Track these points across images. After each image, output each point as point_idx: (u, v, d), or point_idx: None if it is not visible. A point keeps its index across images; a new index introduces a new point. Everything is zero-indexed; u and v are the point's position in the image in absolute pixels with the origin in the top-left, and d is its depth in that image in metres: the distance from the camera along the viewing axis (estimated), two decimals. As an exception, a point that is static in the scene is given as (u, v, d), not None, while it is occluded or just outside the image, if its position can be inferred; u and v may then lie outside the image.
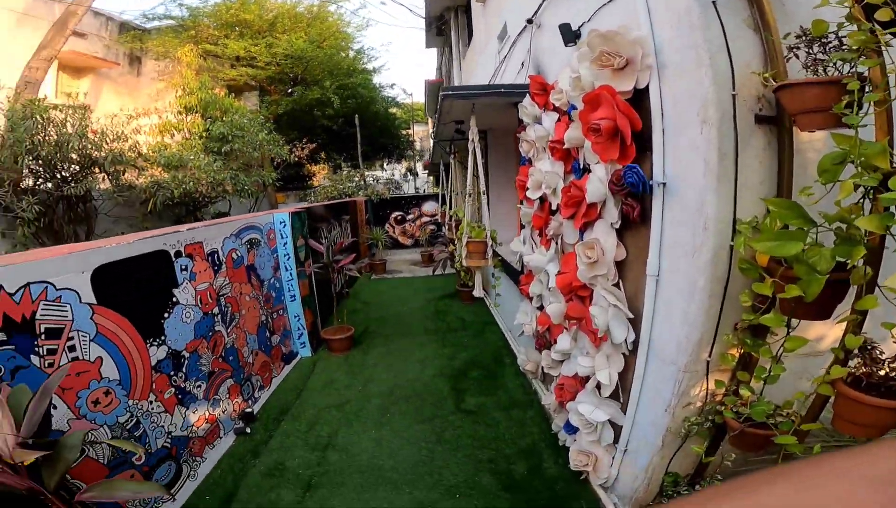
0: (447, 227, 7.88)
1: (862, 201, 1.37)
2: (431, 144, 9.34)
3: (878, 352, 1.38)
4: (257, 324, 4.35)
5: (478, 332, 5.65)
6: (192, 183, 7.76)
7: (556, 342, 3.05)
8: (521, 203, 3.58)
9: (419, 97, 20.94)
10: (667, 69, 1.88)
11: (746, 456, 2.09)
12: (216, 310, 3.58)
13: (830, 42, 1.47)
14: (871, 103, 1.35)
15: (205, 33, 13.29)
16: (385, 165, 23.50)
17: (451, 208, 7.53)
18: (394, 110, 21.71)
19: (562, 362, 3.11)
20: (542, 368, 3.47)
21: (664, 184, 1.91)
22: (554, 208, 3.00)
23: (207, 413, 3.26)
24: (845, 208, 1.38)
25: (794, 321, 1.61)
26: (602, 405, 2.51)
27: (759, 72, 1.67)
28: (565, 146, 2.68)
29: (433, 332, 5.82)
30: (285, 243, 5.02)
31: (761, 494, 0.29)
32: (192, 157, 8.15)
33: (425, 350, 5.16)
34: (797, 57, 1.57)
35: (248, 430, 3.57)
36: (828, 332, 1.83)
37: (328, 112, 15.20)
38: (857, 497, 0.27)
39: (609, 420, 2.47)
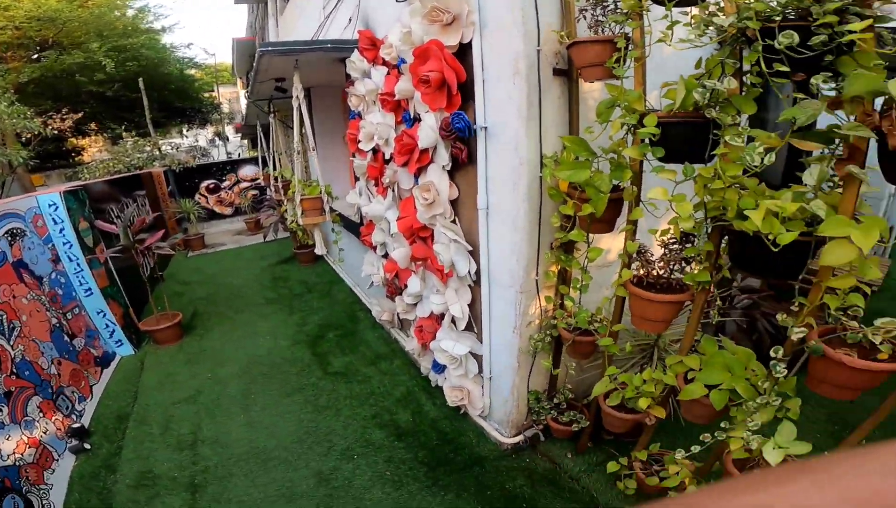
0: (273, 189, 7.35)
1: (626, 135, 1.79)
2: (244, 106, 8.39)
3: (650, 254, 1.86)
4: (49, 329, 3.55)
5: (325, 292, 5.56)
6: None
7: (406, 286, 3.22)
8: (354, 156, 3.58)
9: (225, 57, 18.49)
10: (488, 26, 2.08)
11: (582, 364, 2.61)
12: (-15, 322, 2.84)
13: (609, 6, 1.80)
14: (633, 59, 1.75)
15: None
16: (186, 131, 20.46)
17: (275, 170, 7.02)
18: (193, 72, 19.59)
19: (415, 304, 3.30)
20: (398, 315, 3.63)
21: (486, 128, 2.17)
22: (388, 157, 3.10)
23: (25, 437, 2.72)
24: (616, 142, 1.80)
25: (593, 237, 2.07)
26: (461, 339, 2.76)
27: (557, 31, 1.97)
28: (396, 98, 2.78)
29: (276, 301, 5.53)
30: (62, 230, 4.08)
31: (777, 489, 0.28)
32: None
33: (272, 321, 4.92)
34: (585, 18, 1.90)
35: (87, 446, 3.08)
36: (616, 245, 2.34)
37: (97, 77, 12.75)
38: (876, 490, 0.26)
39: (471, 352, 2.73)
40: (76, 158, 14.07)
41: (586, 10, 1.89)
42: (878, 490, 0.26)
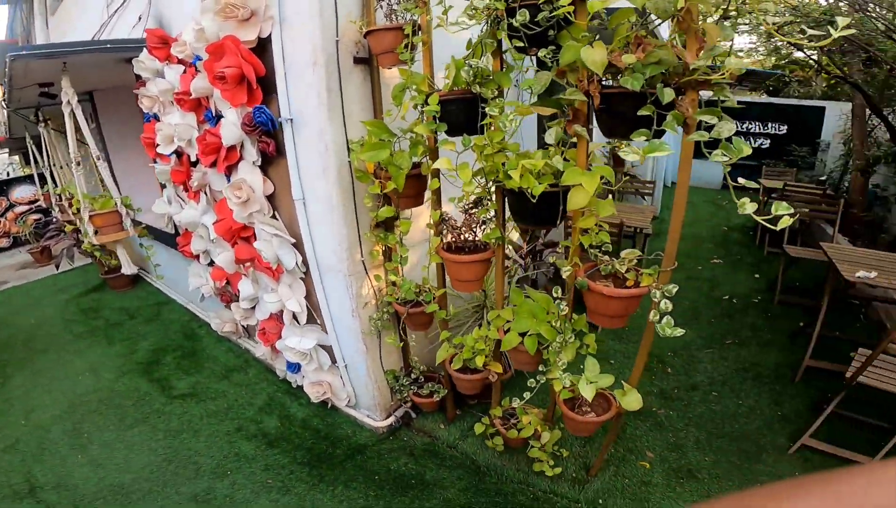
0: (58, 209, 6.13)
1: (420, 116, 1.95)
2: (5, 116, 6.78)
3: (453, 221, 2.05)
4: None
5: (153, 316, 4.86)
6: None
7: (239, 291, 3.03)
8: (155, 162, 3.21)
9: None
10: (287, 20, 2.05)
11: (427, 335, 2.72)
12: None
13: None
14: (421, 44, 1.90)
15: None
16: None
17: (56, 187, 5.84)
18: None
19: (253, 308, 3.14)
20: (240, 323, 3.44)
21: (291, 119, 2.15)
22: (194, 159, 2.86)
23: None
24: (413, 122, 1.95)
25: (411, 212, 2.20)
26: (306, 333, 2.71)
27: (355, 21, 2.03)
28: (193, 96, 2.58)
29: (89, 334, 4.63)
30: None
31: (795, 503, 0.27)
32: None
33: (89, 356, 4.15)
34: (382, 8, 2.01)
35: None
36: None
37: None
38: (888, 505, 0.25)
39: (319, 344, 2.69)
40: None
41: (383, 1, 2.00)
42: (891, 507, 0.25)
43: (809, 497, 0.27)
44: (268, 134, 2.24)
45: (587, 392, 1.73)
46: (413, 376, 2.73)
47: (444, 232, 2.06)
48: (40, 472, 2.75)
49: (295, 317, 2.74)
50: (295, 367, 2.95)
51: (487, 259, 1.94)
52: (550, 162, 1.49)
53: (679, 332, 1.54)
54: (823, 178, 6.10)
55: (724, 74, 1.19)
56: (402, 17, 1.96)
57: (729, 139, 1.24)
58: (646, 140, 1.30)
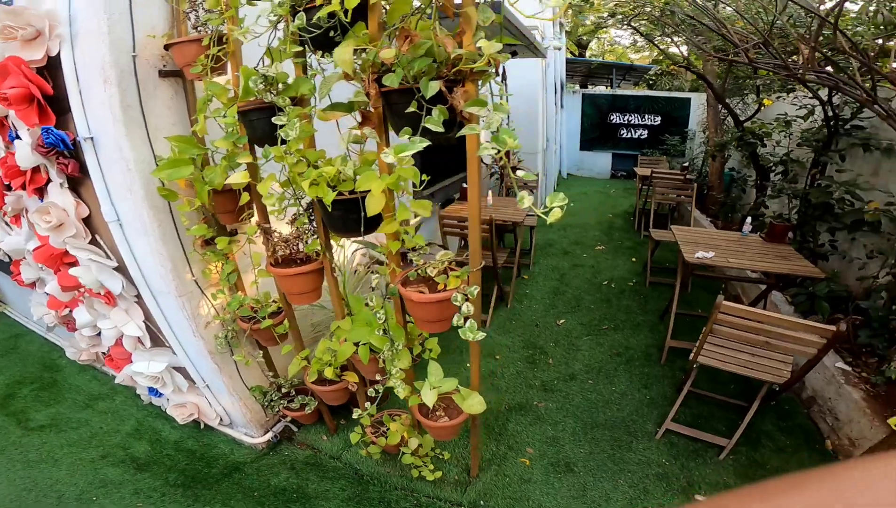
0: None
1: (236, 126, 1.82)
2: None
3: (276, 235, 1.94)
4: None
5: (8, 349, 4.27)
6: None
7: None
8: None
9: None
10: (78, 37, 1.88)
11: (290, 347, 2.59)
12: None
13: (201, 4, 1.80)
14: (228, 54, 1.78)
15: None
16: None
17: None
18: None
19: (99, 334, 2.84)
20: (90, 350, 3.16)
21: (91, 138, 1.95)
22: (7, 183, 2.52)
23: None
24: (228, 134, 1.82)
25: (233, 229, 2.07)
26: (156, 356, 2.53)
27: (155, 35, 1.88)
28: (-16, 115, 2.26)
29: None
30: None
31: (800, 496, 0.26)
32: None
33: None
34: (190, 20, 1.87)
35: None
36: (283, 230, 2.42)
37: None
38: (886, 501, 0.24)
39: (172, 367, 2.53)
40: None
41: (190, 13, 1.88)
42: (892, 503, 0.24)
43: (806, 493, 0.27)
44: (65, 154, 2.01)
45: (428, 399, 1.70)
46: (283, 390, 2.62)
47: (275, 245, 1.96)
48: None
49: (141, 341, 2.53)
50: (154, 391, 2.77)
51: (315, 271, 1.87)
52: (342, 169, 1.44)
53: (481, 335, 1.54)
54: (686, 164, 6.72)
55: (486, 60, 1.19)
56: (205, 28, 1.85)
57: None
58: (409, 137, 1.28)
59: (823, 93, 3.71)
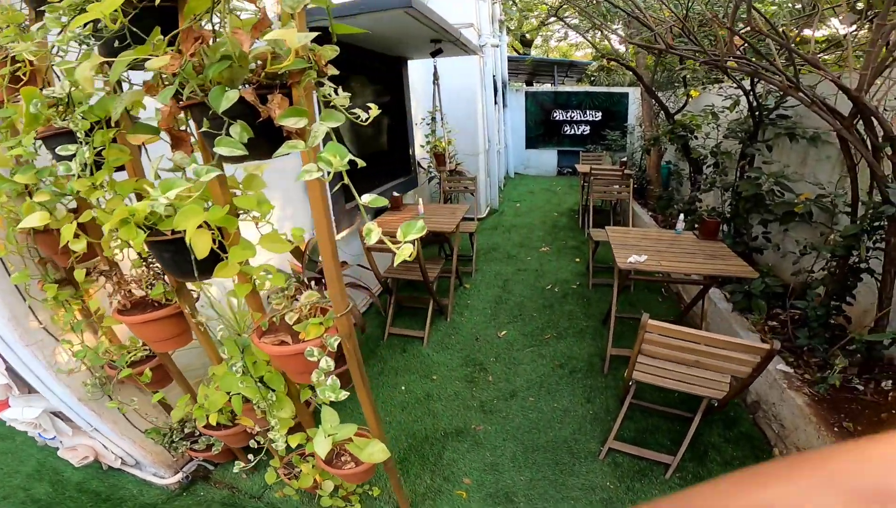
0: None
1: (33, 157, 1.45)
2: None
3: (118, 277, 1.60)
4: None
5: None
6: None
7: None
8: None
9: None
10: None
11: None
12: None
13: None
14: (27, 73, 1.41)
15: None
16: None
17: None
18: None
19: None
20: None
21: None
22: None
23: None
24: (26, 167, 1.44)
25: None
26: (30, 402, 2.22)
27: None
28: None
29: None
30: None
31: (773, 489, 0.25)
32: None
33: None
34: None
35: None
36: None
37: None
38: (881, 485, 0.24)
39: (52, 412, 2.26)
40: None
41: None
42: (887, 485, 0.24)
43: (799, 478, 0.26)
44: None
45: (320, 449, 1.38)
46: (186, 430, 2.28)
47: (121, 288, 1.61)
48: None
49: (11, 389, 2.17)
50: (42, 436, 2.48)
51: (171, 315, 1.53)
52: (154, 205, 1.12)
53: (343, 395, 1.27)
54: (625, 159, 6.71)
55: (291, 57, 0.90)
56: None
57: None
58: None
59: (747, 83, 3.67)
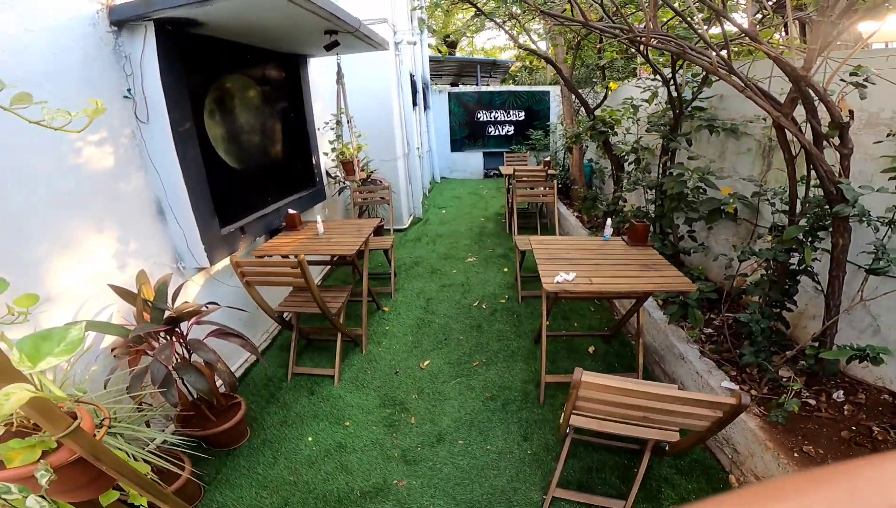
0: None
1: None
2: None
3: None
4: None
5: None
6: None
7: None
8: None
9: None
10: None
11: None
12: None
13: None
14: None
15: None
16: None
17: None
18: None
19: None
20: None
21: None
22: None
23: None
24: None
25: None
26: None
27: None
28: None
29: None
30: None
31: (806, 498, 0.25)
32: None
33: None
34: None
35: None
36: None
37: None
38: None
39: None
40: None
41: None
42: None
43: (821, 491, 0.26)
44: None
45: None
46: None
47: None
48: None
49: None
50: None
51: None
52: None
53: None
54: (548, 158, 6.53)
55: None
56: None
57: None
58: None
59: (668, 71, 3.47)
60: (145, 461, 1.51)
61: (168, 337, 2.11)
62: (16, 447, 0.76)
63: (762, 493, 0.27)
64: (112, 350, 2.09)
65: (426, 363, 3.22)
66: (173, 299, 2.24)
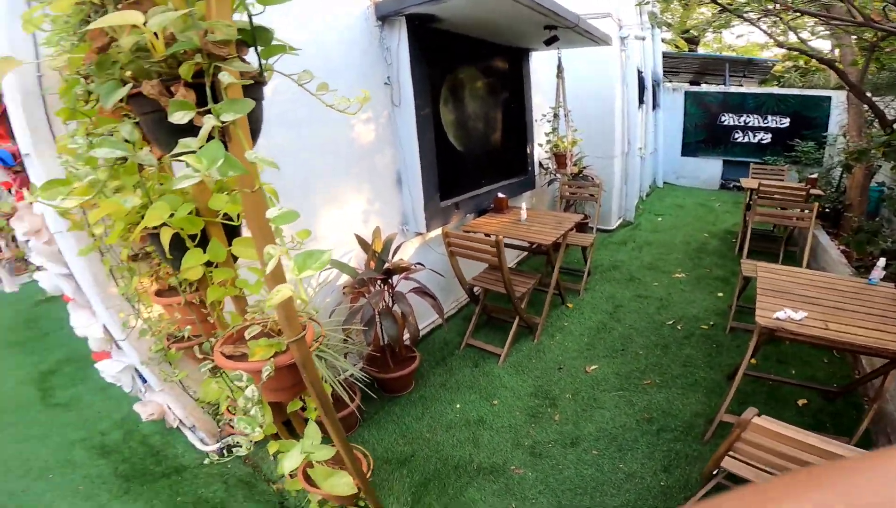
0: None
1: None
2: None
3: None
4: None
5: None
6: None
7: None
8: None
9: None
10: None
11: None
12: None
13: None
14: None
15: None
16: None
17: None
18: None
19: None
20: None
21: (29, 155, 1.92)
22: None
23: None
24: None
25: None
26: (118, 357, 2.53)
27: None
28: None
29: (17, 344, 4.73)
30: None
31: (810, 495, 0.25)
32: None
33: (6, 363, 4.30)
34: None
35: None
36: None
37: None
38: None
39: (134, 368, 2.52)
40: None
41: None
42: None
43: (826, 489, 0.26)
44: (16, 169, 2.05)
45: (286, 463, 1.25)
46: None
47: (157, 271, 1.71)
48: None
49: (115, 344, 2.52)
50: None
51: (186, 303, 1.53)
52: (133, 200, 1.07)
53: (257, 435, 1.08)
54: (815, 175, 5.27)
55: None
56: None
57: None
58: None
59: None
60: (331, 385, 2.00)
61: (381, 285, 2.65)
62: (262, 344, 1.12)
63: (755, 498, 0.27)
64: (343, 289, 2.75)
65: (593, 367, 3.18)
66: (392, 255, 2.79)
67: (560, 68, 4.25)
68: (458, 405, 2.87)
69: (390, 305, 2.68)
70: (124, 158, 1.10)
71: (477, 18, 3.02)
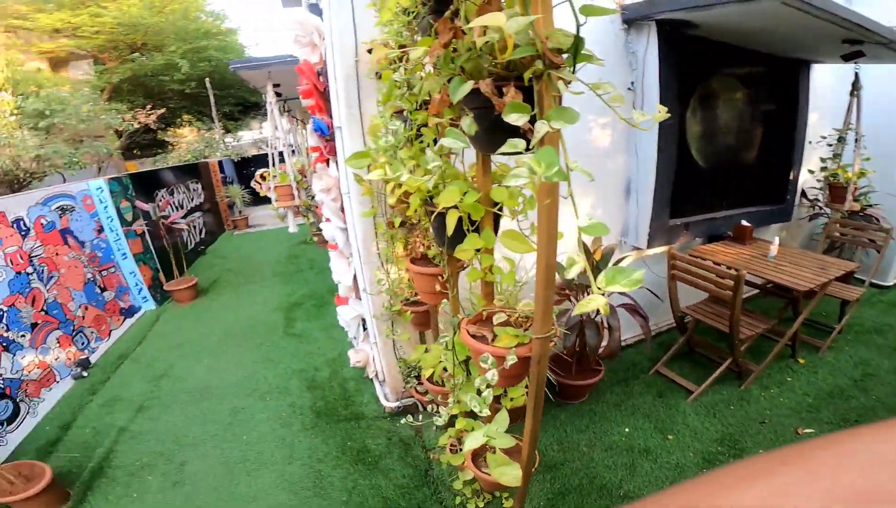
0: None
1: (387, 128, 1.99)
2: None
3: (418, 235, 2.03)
4: (83, 281, 4.53)
5: (322, 269, 6.13)
6: (9, 161, 7.57)
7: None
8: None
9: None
10: (334, 45, 2.31)
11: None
12: (30, 269, 3.82)
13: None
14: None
15: (10, 10, 11.94)
16: (261, 124, 22.36)
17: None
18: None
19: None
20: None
21: (340, 127, 2.46)
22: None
23: (37, 359, 3.59)
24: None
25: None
26: (353, 305, 3.05)
27: (366, 42, 2.11)
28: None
29: (281, 275, 6.29)
30: (105, 207, 5.09)
31: (755, 488, 0.25)
32: (4, 136, 7.80)
33: (269, 291, 5.66)
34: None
35: (85, 374, 3.92)
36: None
37: (177, 77, 14.26)
38: (872, 481, 0.23)
39: (362, 318, 2.97)
40: (169, 147, 14.72)
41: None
42: (867, 484, 0.23)
43: (779, 477, 0.26)
44: (327, 139, 2.67)
45: (468, 442, 1.36)
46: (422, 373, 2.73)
47: (414, 241, 2.05)
48: (178, 366, 3.94)
49: (355, 292, 3.06)
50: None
51: (433, 275, 1.83)
52: (430, 182, 1.36)
53: (485, 413, 1.22)
54: None
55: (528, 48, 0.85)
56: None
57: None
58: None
59: None
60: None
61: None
62: (509, 332, 1.24)
63: (724, 479, 0.27)
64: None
65: (807, 431, 2.62)
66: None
67: (857, 85, 3.43)
68: (626, 429, 2.74)
69: (594, 315, 2.70)
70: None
71: (746, 28, 2.67)
